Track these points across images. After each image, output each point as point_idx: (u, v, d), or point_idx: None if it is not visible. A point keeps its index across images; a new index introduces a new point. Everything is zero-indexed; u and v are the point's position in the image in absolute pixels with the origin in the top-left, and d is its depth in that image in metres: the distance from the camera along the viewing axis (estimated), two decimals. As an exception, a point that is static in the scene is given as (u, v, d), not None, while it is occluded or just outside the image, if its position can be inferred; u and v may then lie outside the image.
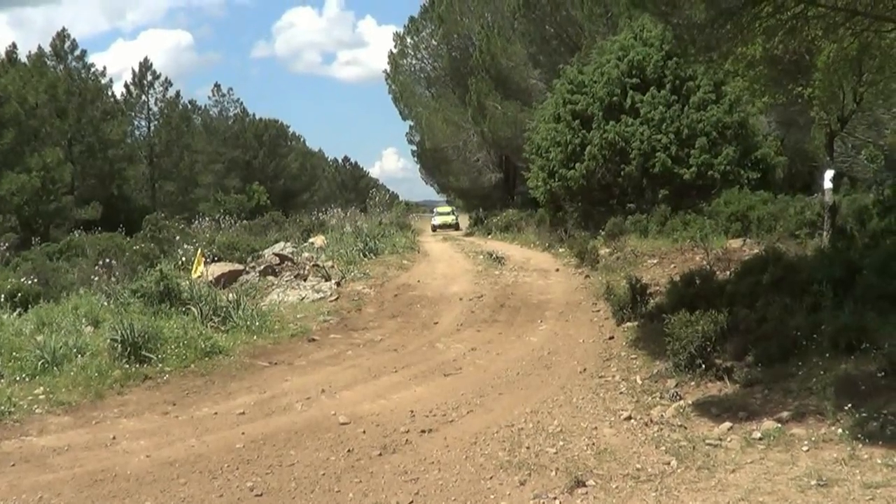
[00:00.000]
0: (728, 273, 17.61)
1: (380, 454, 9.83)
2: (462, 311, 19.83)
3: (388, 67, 61.31)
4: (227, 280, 22.44)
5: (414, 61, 59.30)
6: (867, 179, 26.74)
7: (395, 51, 60.14)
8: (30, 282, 22.57)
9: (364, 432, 10.77)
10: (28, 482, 9.18)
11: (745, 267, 16.88)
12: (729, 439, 9.41)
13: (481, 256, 28.68)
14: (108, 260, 23.58)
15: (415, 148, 68.37)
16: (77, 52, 67.58)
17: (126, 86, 73.78)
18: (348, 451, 10.00)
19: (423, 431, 10.74)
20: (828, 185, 19.77)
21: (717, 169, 28.54)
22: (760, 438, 9.24)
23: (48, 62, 65.26)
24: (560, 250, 28.24)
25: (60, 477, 9.39)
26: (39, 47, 66.29)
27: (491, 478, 8.83)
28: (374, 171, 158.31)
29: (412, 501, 8.38)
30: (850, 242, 17.72)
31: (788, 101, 20.28)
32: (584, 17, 39.87)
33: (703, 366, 11.98)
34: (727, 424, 9.90)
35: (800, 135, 29.92)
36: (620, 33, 32.54)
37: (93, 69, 68.22)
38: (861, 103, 19.18)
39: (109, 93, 69.54)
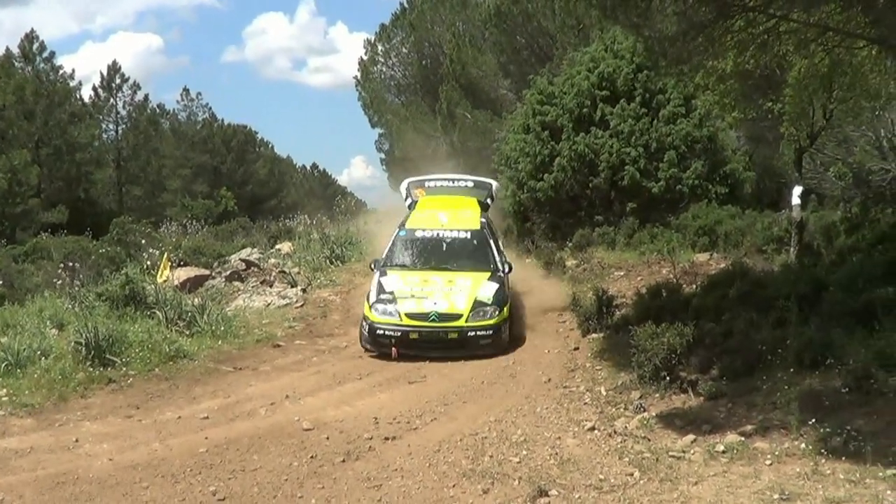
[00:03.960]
0: (694, 287, 17.68)
1: (343, 460, 9.82)
2: (428, 320, 19.73)
3: (358, 74, 61.22)
4: (193, 285, 22.33)
5: (384, 69, 59.03)
6: (835, 197, 26.87)
7: (365, 58, 59.95)
8: (-6, 284, 22.46)
9: (328, 438, 10.75)
10: (-11, 484, 9.13)
11: (711, 281, 17.01)
12: (692, 452, 9.43)
13: (449, 266, 28.57)
14: (73, 263, 23.43)
15: (384, 156, 67.79)
16: (45, 55, 67.14)
17: (94, 89, 73.36)
18: (311, 457, 9.98)
19: (386, 438, 10.72)
20: (796, 201, 19.85)
21: (686, 183, 28.59)
22: (724, 451, 9.25)
23: (16, 64, 64.74)
24: (527, 261, 28.23)
25: (22, 479, 9.36)
26: (7, 49, 65.73)
27: (454, 486, 8.82)
28: (343, 179, 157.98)
29: (375, 508, 8.37)
30: (816, 259, 17.88)
31: (758, 116, 20.37)
32: (556, 29, 39.93)
33: (668, 378, 12.01)
34: (691, 437, 9.93)
35: (769, 150, 30.04)
36: (592, 45, 32.58)
37: (61, 71, 67.78)
38: (831, 120, 19.28)
39: (78, 95, 69.13)
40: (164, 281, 20.31)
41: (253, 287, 23.15)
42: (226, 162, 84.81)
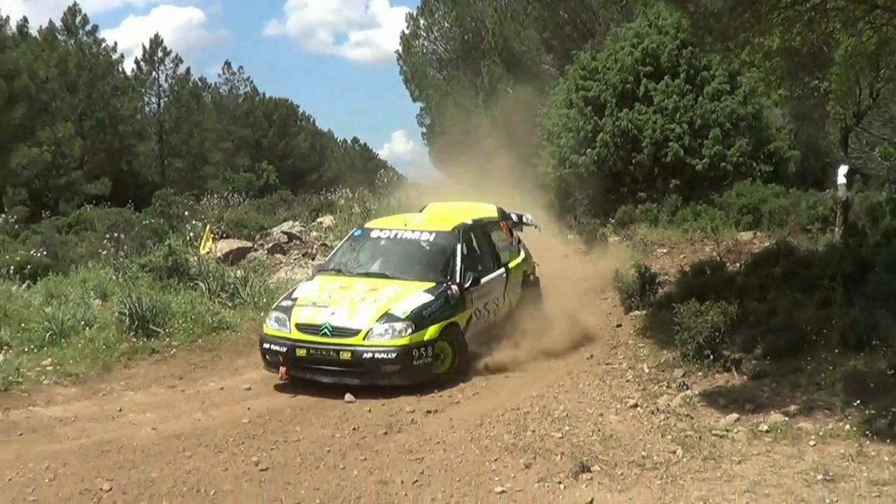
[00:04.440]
0: (738, 265, 17.55)
1: (385, 433, 9.92)
2: (470, 294, 19.69)
3: (399, 48, 61.02)
4: (236, 257, 22.40)
5: (426, 43, 58.76)
6: (881, 177, 26.65)
7: (407, 32, 59.72)
8: (39, 254, 22.55)
9: (370, 411, 10.85)
10: (35, 451, 9.27)
11: (755, 259, 16.89)
12: (735, 431, 9.39)
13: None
14: (116, 234, 23.56)
15: (425, 130, 67.44)
16: (88, 28, 67.70)
17: (136, 62, 73.79)
18: (354, 428, 10.08)
19: (428, 412, 10.84)
20: (841, 180, 19.73)
21: (730, 161, 28.42)
22: (767, 431, 9.22)
23: (59, 37, 65.19)
24: (569, 237, 28.13)
25: (67, 447, 9.48)
26: (51, 22, 66.38)
27: (496, 460, 8.84)
28: (384, 154, 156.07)
29: (417, 480, 8.39)
30: (862, 239, 17.68)
31: (804, 94, 20.24)
32: (599, 4, 39.69)
33: (712, 356, 11.92)
34: (734, 416, 9.88)
35: (814, 129, 29.84)
36: (635, 20, 32.38)
37: (104, 44, 68.35)
38: (877, 99, 19.12)
39: (120, 68, 69.68)
40: (207, 253, 20.40)
41: (295, 260, 23.19)
42: (267, 135, 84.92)
